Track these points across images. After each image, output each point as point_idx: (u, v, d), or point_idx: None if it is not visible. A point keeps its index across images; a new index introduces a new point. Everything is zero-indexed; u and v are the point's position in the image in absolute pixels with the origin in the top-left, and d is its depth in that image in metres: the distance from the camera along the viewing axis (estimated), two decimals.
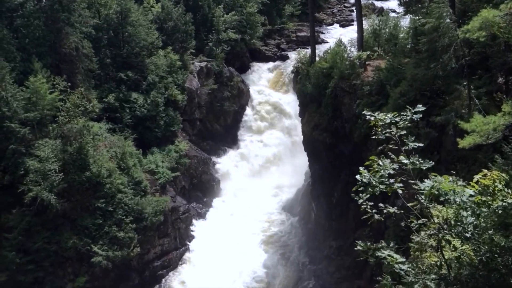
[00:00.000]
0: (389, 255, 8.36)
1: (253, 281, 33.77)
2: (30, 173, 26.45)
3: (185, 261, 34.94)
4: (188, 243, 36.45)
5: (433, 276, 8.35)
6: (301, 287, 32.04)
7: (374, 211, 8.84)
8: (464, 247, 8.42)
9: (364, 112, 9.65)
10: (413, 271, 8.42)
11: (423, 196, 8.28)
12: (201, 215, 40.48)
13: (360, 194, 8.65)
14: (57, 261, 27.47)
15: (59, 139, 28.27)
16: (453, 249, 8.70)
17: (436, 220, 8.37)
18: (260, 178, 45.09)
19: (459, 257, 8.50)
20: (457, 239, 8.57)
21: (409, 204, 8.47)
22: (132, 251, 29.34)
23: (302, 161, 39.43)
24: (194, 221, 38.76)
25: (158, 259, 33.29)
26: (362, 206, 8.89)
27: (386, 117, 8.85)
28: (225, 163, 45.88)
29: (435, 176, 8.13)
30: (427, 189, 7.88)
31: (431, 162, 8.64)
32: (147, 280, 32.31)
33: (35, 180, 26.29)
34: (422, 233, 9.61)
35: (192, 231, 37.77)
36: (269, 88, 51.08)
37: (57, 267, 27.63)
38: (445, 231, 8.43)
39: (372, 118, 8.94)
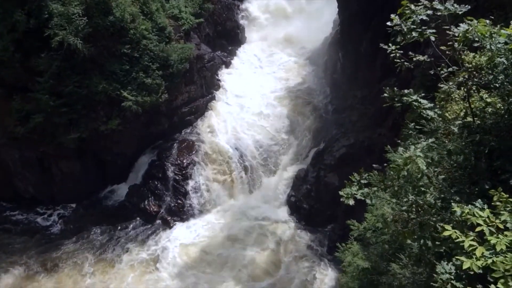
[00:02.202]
0: (416, 100, 8.34)
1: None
2: (55, 16, 26.20)
3: (211, 108, 36.00)
4: (214, 91, 37.13)
5: (458, 122, 8.39)
6: (323, 135, 33.17)
7: (402, 60, 8.64)
8: (492, 99, 8.30)
9: None
10: (439, 117, 8.47)
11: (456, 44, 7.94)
12: (226, 64, 40.46)
13: (390, 44, 8.37)
14: (89, 104, 28.66)
15: None
16: (480, 99, 8.60)
17: (467, 66, 8.11)
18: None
19: (486, 106, 8.42)
20: (485, 92, 8.43)
21: (442, 47, 8.13)
22: (160, 97, 30.20)
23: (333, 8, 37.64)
24: (219, 69, 38.97)
25: (186, 106, 34.34)
26: (391, 55, 8.66)
27: None
28: (254, 8, 44.06)
29: (471, 20, 7.67)
30: (461, 33, 7.48)
31: (467, 6, 8.08)
32: (176, 126, 33.84)
33: (59, 24, 26.14)
34: (451, 82, 9.44)
35: (217, 79, 38.18)
36: None
37: (89, 110, 28.93)
38: (475, 79, 8.24)
39: None
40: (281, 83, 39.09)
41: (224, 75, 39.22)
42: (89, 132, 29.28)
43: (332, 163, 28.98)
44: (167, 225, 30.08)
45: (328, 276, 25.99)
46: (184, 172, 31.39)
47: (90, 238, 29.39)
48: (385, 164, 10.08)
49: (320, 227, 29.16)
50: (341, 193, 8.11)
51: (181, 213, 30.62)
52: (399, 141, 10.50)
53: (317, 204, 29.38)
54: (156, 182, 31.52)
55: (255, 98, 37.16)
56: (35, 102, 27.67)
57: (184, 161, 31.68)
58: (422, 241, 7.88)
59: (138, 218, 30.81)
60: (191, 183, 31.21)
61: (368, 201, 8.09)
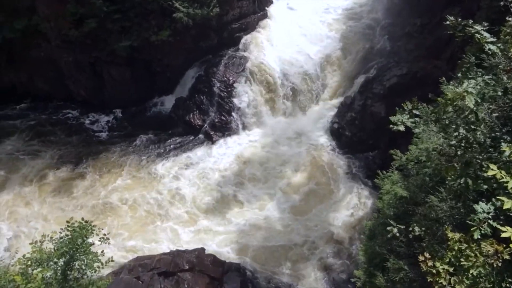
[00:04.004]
0: (479, 32, 7.85)
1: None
2: None
3: (262, 26, 35.16)
4: (266, 8, 36.06)
5: None
6: (374, 63, 32.05)
7: None
8: None
9: None
10: (501, 53, 7.98)
11: None
12: None
13: None
14: (141, 13, 28.68)
15: None
16: None
17: None
18: None
19: None
20: None
21: None
22: (211, 10, 29.72)
23: None
24: None
25: (236, 21, 33.70)
26: None
27: None
28: None
29: None
30: None
31: None
32: (225, 42, 33.51)
33: None
34: None
35: None
36: None
37: (141, 18, 28.99)
38: None
39: None
40: (336, 4, 37.48)
41: None
42: (140, 41, 29.57)
43: (381, 93, 28.29)
44: (210, 139, 30.92)
45: (363, 200, 26.46)
46: (229, 89, 31.58)
47: (135, 144, 30.83)
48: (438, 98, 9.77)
49: (360, 154, 29.18)
50: (391, 118, 7.99)
51: (224, 129, 31.27)
52: (455, 75, 10.06)
53: (360, 133, 29.19)
54: (201, 97, 31.99)
55: (308, 18, 35.93)
56: (89, 6, 27.89)
57: (230, 78, 31.73)
58: (464, 178, 7.80)
59: (182, 130, 31.80)
60: (235, 100, 31.48)
61: (416, 130, 7.97)
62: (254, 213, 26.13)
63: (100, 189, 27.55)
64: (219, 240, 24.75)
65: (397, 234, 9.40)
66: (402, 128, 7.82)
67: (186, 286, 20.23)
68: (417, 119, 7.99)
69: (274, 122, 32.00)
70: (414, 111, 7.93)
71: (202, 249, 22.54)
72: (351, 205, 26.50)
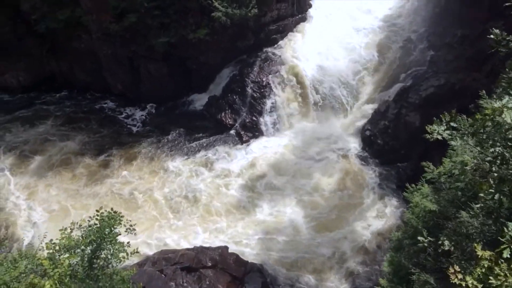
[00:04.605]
0: None
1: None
2: None
3: (299, 29, 35.09)
4: (305, 12, 35.97)
5: None
6: (411, 72, 31.52)
7: None
8: None
9: None
10: None
11: None
12: None
13: None
14: (180, 10, 29.10)
15: None
16: None
17: None
18: None
19: None
20: None
21: None
22: (250, 11, 29.88)
23: None
24: None
25: (274, 23, 33.75)
26: None
27: None
28: None
29: None
30: None
31: None
32: (261, 42, 33.61)
33: None
34: None
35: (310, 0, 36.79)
36: None
37: (180, 16, 29.41)
38: None
39: None
40: (378, 10, 36.99)
41: None
42: (178, 38, 29.99)
43: (417, 102, 27.76)
44: (240, 139, 31.07)
45: (392, 210, 26.07)
46: (262, 90, 31.66)
47: (165, 139, 31.31)
48: (475, 111, 9.53)
49: (391, 164, 28.73)
50: (427, 128, 7.84)
51: (254, 130, 31.36)
52: (495, 89, 9.80)
53: (392, 141, 28.74)
54: (234, 96, 32.19)
55: (346, 23, 35.59)
56: (130, 1, 28.49)
57: (264, 79, 31.80)
58: (498, 195, 7.59)
59: (213, 128, 32.08)
60: (267, 102, 31.53)
61: (452, 142, 7.80)
62: (278, 217, 26.04)
63: (119, 179, 28.20)
64: (239, 242, 24.81)
65: (427, 246, 9.22)
66: (439, 136, 7.66)
67: (207, 282, 20.37)
68: (453, 131, 7.82)
69: (305, 126, 31.86)
70: (452, 124, 7.75)
71: (226, 248, 22.66)
72: (379, 215, 26.12)
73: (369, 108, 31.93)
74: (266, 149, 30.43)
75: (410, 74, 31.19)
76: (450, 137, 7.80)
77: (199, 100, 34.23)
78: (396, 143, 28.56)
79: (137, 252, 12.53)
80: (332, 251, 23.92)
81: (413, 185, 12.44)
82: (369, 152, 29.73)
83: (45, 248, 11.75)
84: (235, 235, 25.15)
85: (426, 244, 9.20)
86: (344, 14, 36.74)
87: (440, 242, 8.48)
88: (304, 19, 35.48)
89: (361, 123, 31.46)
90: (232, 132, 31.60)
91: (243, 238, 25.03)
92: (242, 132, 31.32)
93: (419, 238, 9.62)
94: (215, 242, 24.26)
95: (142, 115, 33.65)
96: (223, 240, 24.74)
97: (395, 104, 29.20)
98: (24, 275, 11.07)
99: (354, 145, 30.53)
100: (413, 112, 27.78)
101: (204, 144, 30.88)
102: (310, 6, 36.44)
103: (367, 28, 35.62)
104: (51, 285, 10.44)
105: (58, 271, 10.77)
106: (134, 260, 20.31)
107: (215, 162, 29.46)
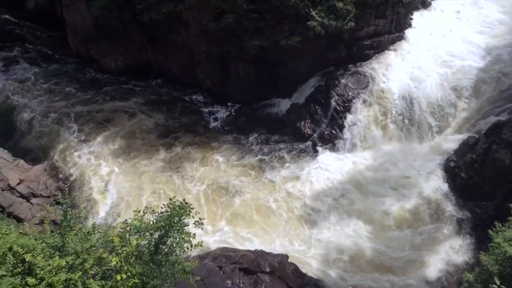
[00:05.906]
0: None
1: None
2: None
3: (394, 47, 34.06)
4: (403, 30, 34.80)
5: None
6: (508, 106, 29.51)
7: None
8: None
9: None
10: None
11: None
12: (425, 4, 37.32)
13: None
14: (277, 16, 29.41)
15: None
16: None
17: None
18: None
19: None
20: None
21: None
22: (346, 24, 29.45)
23: None
24: (415, 9, 36.17)
25: (369, 39, 32.99)
26: None
27: None
28: None
29: None
30: None
31: None
32: (352, 56, 33.02)
33: None
34: None
35: (411, 19, 35.53)
36: None
37: (276, 21, 29.74)
38: None
39: None
40: (481, 38, 34.91)
41: (419, 15, 36.32)
42: (271, 42, 30.35)
43: (510, 140, 25.92)
44: (315, 150, 30.81)
45: (465, 249, 24.65)
46: (346, 104, 31.15)
47: (245, 140, 31.89)
48: None
49: (473, 200, 27.03)
50: None
51: (332, 143, 30.94)
52: None
53: (477, 177, 27.03)
54: (317, 107, 31.97)
55: (445, 48, 33.90)
56: (231, 2, 29.29)
57: (350, 94, 31.28)
58: None
59: (290, 135, 32.15)
60: (350, 117, 30.96)
61: None
62: (342, 237, 25.48)
63: (179, 170, 29.55)
64: (299, 252, 24.59)
65: None
66: None
67: None
68: None
69: (384, 147, 30.85)
70: None
71: (286, 256, 22.58)
72: (451, 251, 24.77)
73: (457, 139, 30.31)
74: (341, 164, 29.89)
75: (507, 108, 29.28)
76: None
77: (281, 106, 34.43)
78: (481, 179, 26.83)
79: (200, 245, 12.83)
80: (398, 280, 23.04)
81: (501, 224, 11.65)
82: (451, 184, 28.17)
83: (118, 227, 12.41)
84: (296, 246, 25.01)
85: None
86: (446, 36, 35.07)
87: None
88: (401, 38, 34.37)
89: (446, 153, 29.95)
90: (309, 142, 31.40)
91: (303, 250, 24.83)
92: (319, 144, 31.04)
93: (490, 286, 8.98)
94: (275, 248, 24.28)
95: (225, 113, 34.52)
96: (283, 246, 24.74)
97: (486, 138, 27.44)
98: (94, 248, 11.74)
99: (435, 174, 29.06)
100: (505, 150, 25.96)
101: (277, 150, 31.01)
102: (410, 25, 35.22)
103: (468, 51, 33.63)
104: (117, 262, 11.01)
105: (126, 250, 11.34)
106: (195, 252, 20.84)
107: (286, 170, 29.48)
